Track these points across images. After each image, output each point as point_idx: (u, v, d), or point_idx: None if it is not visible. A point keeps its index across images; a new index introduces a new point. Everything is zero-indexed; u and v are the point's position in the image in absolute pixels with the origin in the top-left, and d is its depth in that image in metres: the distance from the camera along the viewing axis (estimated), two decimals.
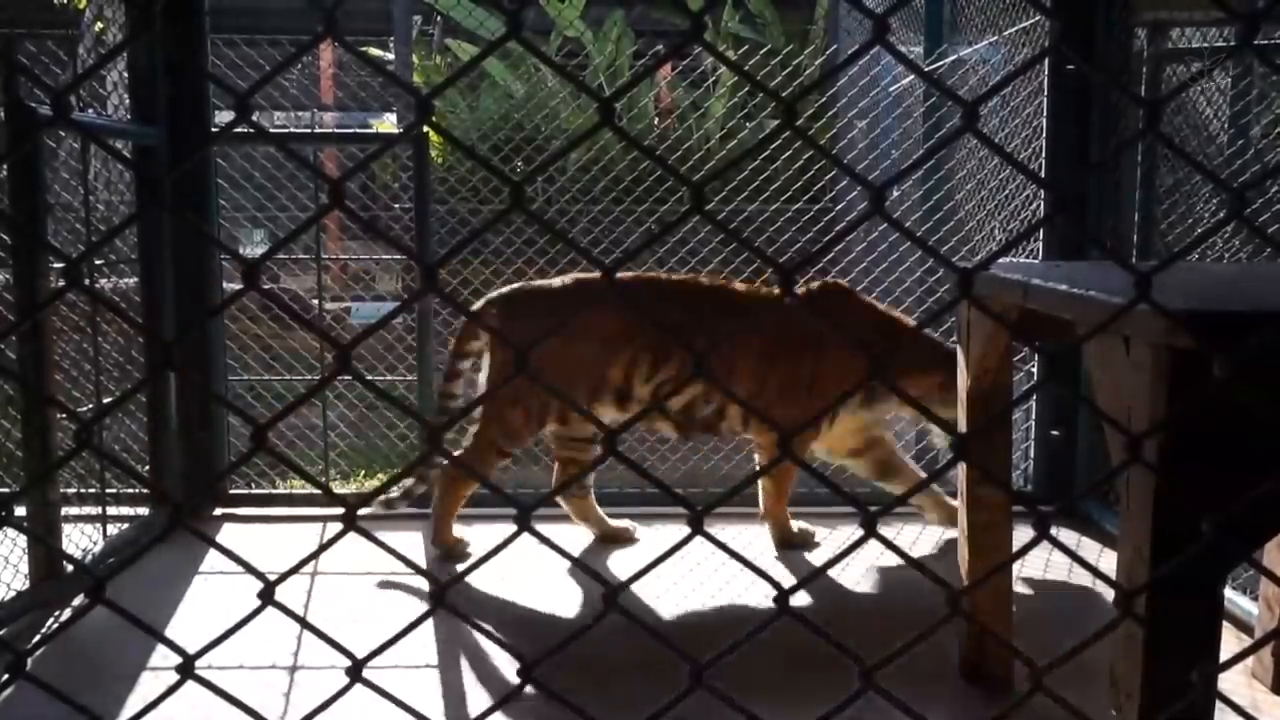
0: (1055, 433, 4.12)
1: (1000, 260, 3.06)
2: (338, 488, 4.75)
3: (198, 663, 0.96)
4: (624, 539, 3.82)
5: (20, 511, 3.22)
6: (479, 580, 3.31)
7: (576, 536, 3.80)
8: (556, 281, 3.70)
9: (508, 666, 2.76)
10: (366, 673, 0.99)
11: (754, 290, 3.80)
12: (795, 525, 3.79)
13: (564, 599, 3.24)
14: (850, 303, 3.71)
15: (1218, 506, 1.06)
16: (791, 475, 3.74)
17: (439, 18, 8.02)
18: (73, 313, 3.63)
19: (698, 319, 3.50)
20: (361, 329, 4.65)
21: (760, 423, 3.67)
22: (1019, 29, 4.18)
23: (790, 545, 3.73)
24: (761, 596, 3.24)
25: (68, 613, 3.11)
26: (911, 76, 5.07)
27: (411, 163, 4.22)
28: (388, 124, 8.00)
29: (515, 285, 3.78)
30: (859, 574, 3.43)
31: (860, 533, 1.01)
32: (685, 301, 3.60)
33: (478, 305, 3.73)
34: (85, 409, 3.46)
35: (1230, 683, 2.63)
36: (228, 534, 3.89)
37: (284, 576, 1.04)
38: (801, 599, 3.18)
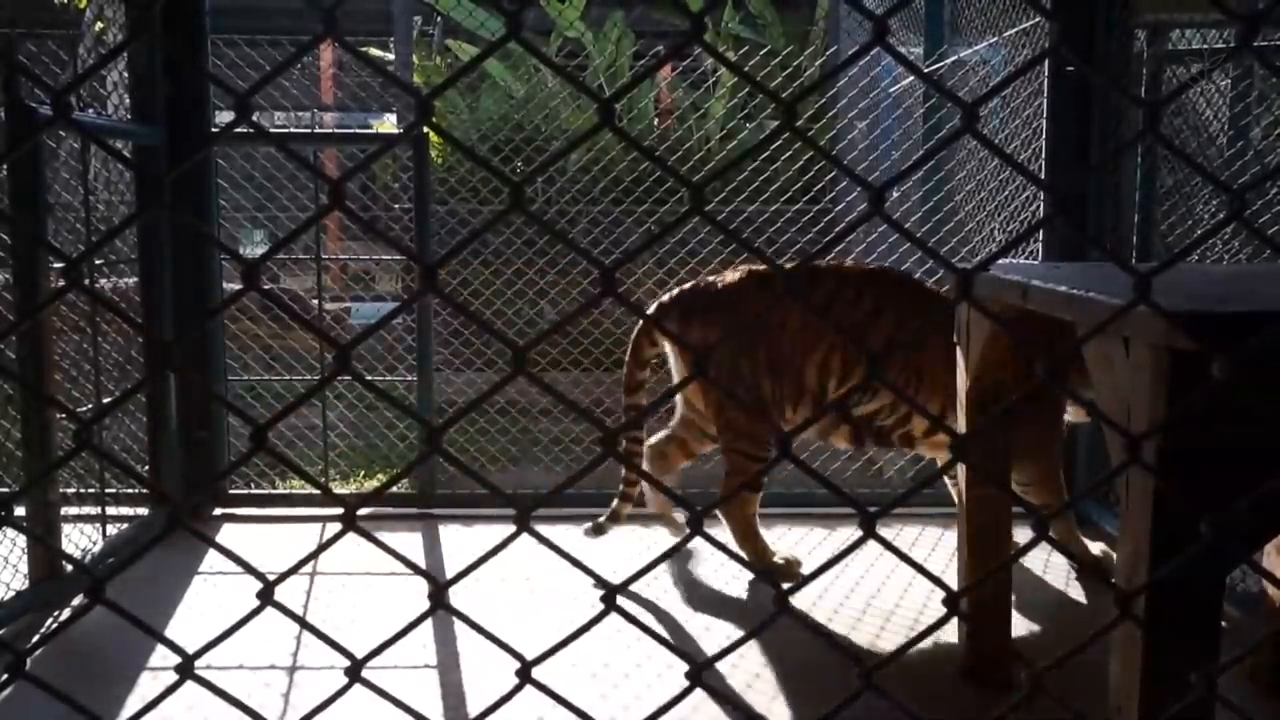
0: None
1: (1000, 261, 3.06)
2: (337, 488, 4.75)
3: (197, 663, 0.96)
4: (672, 523, 3.76)
5: (20, 511, 3.23)
6: (478, 580, 3.31)
7: (576, 537, 3.80)
8: (729, 276, 3.49)
9: (506, 666, 2.76)
10: (366, 673, 0.99)
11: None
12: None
13: (563, 599, 3.24)
14: None
15: (1217, 507, 1.06)
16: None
17: (439, 18, 8.02)
18: (73, 312, 3.63)
19: (887, 317, 3.29)
20: (361, 329, 4.64)
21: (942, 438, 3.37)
22: (1019, 30, 4.18)
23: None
24: (761, 597, 3.24)
25: (67, 613, 3.11)
26: (911, 77, 5.07)
27: (411, 163, 4.22)
28: (388, 124, 8.01)
29: (686, 285, 3.57)
30: (859, 574, 3.43)
31: (859, 533, 1.01)
32: (876, 297, 3.35)
33: (651, 309, 3.55)
34: (85, 409, 3.46)
35: (1227, 683, 2.63)
36: (227, 534, 3.89)
37: (283, 576, 1.04)
38: (801, 599, 3.18)
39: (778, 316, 3.35)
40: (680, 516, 3.83)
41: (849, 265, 3.56)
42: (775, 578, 3.33)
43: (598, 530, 3.64)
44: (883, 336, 3.29)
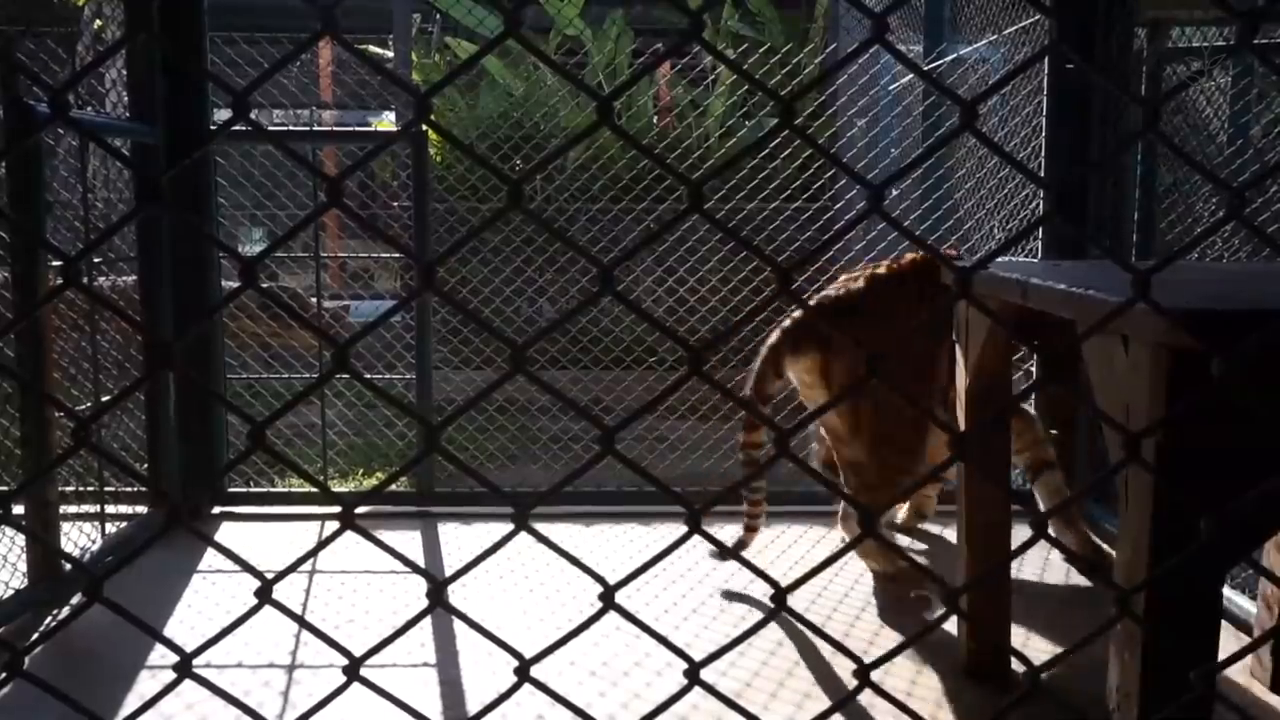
0: (1054, 431, 4.11)
1: (999, 259, 3.06)
2: (336, 486, 4.75)
3: (195, 661, 0.96)
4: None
5: (19, 510, 3.22)
6: (477, 579, 3.31)
7: (575, 535, 3.80)
8: (850, 284, 3.29)
9: (505, 665, 2.76)
10: (364, 671, 0.99)
11: None
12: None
13: (561, 597, 3.24)
14: None
15: (1216, 506, 1.06)
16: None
17: (438, 15, 8.02)
18: (71, 310, 3.62)
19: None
20: (360, 327, 4.60)
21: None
22: (1018, 28, 4.18)
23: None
24: (760, 595, 3.24)
25: (66, 611, 3.11)
26: (911, 75, 5.07)
27: (410, 161, 4.22)
28: (387, 122, 8.00)
29: (797, 308, 3.44)
30: (857, 572, 3.43)
31: (859, 531, 1.01)
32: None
33: (772, 342, 3.29)
34: (84, 407, 3.46)
35: (1228, 682, 2.63)
36: (226, 532, 3.89)
37: (282, 575, 1.04)
38: (800, 598, 3.18)
39: (903, 319, 3.15)
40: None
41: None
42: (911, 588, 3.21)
43: (739, 546, 3.40)
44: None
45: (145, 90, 3.77)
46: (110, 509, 3.56)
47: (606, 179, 5.82)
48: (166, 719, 2.41)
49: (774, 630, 2.92)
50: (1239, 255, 3.57)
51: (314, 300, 4.68)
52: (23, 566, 3.14)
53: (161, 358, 0.90)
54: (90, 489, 3.54)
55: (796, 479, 4.13)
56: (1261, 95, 3.89)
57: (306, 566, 3.43)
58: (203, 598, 3.23)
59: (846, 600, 3.22)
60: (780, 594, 1.01)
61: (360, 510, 0.97)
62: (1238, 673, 2.68)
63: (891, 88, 5.34)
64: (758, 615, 3.10)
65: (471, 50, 7.38)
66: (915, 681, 2.64)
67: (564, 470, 4.85)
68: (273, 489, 4.37)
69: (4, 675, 0.96)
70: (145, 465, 3.85)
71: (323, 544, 1.09)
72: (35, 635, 2.94)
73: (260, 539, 3.78)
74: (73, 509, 3.41)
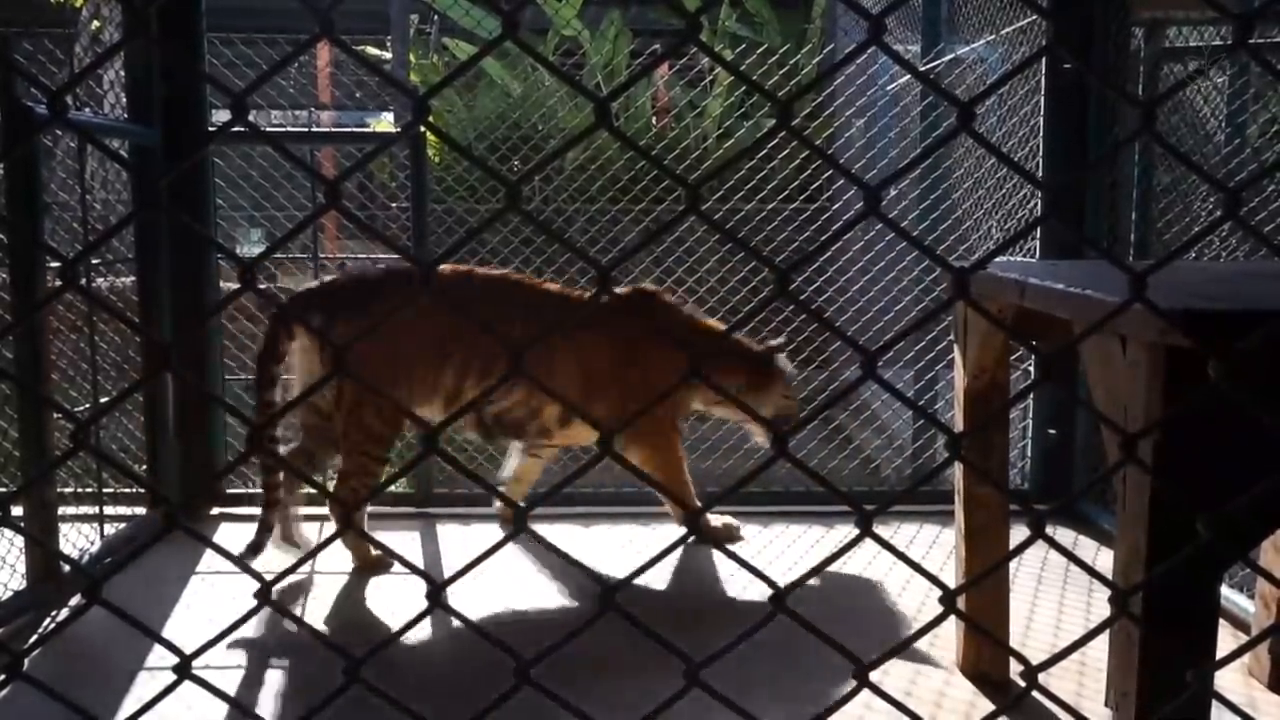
0: (1052, 431, 4.12)
1: (997, 259, 3.06)
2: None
3: (195, 663, 0.96)
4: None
5: (18, 511, 3.22)
6: (475, 580, 3.31)
7: (575, 537, 3.80)
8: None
9: (504, 666, 2.76)
10: (362, 672, 0.99)
11: (565, 290, 3.59)
12: (720, 520, 3.76)
13: (561, 598, 3.24)
14: (661, 306, 3.66)
15: (1214, 505, 1.07)
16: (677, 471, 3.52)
17: (436, 17, 8.02)
18: (70, 312, 3.62)
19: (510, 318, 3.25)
20: None
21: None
22: (1016, 28, 4.18)
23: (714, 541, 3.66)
24: (758, 595, 3.24)
25: (65, 613, 3.10)
26: (909, 75, 5.07)
27: (409, 162, 4.22)
28: (385, 123, 8.00)
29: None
30: (855, 573, 3.43)
31: (857, 531, 1.01)
32: (494, 300, 3.39)
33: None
34: (82, 409, 3.46)
35: (1227, 681, 2.63)
36: (225, 533, 3.88)
37: (281, 576, 1.04)
38: (798, 598, 3.18)
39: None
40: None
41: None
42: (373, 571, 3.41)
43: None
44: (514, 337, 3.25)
45: (143, 91, 3.77)
46: (109, 510, 3.56)
47: (605, 180, 5.82)
48: None
49: (772, 631, 2.92)
50: (1236, 255, 3.58)
51: None
52: (22, 568, 3.14)
53: (160, 359, 0.90)
54: (89, 490, 3.54)
55: (795, 480, 4.13)
56: (1258, 95, 3.90)
57: (305, 567, 3.43)
58: (202, 599, 3.23)
59: (844, 600, 3.22)
60: (779, 595, 1.01)
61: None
62: (1236, 671, 2.69)
63: (889, 88, 5.34)
64: (755, 615, 3.10)
65: (470, 51, 7.38)
66: (914, 682, 2.64)
67: (562, 472, 4.85)
68: None
69: (3, 677, 0.96)
70: (144, 467, 3.85)
71: (322, 545, 1.10)
72: (34, 637, 2.94)
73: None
74: (71, 510, 3.41)
